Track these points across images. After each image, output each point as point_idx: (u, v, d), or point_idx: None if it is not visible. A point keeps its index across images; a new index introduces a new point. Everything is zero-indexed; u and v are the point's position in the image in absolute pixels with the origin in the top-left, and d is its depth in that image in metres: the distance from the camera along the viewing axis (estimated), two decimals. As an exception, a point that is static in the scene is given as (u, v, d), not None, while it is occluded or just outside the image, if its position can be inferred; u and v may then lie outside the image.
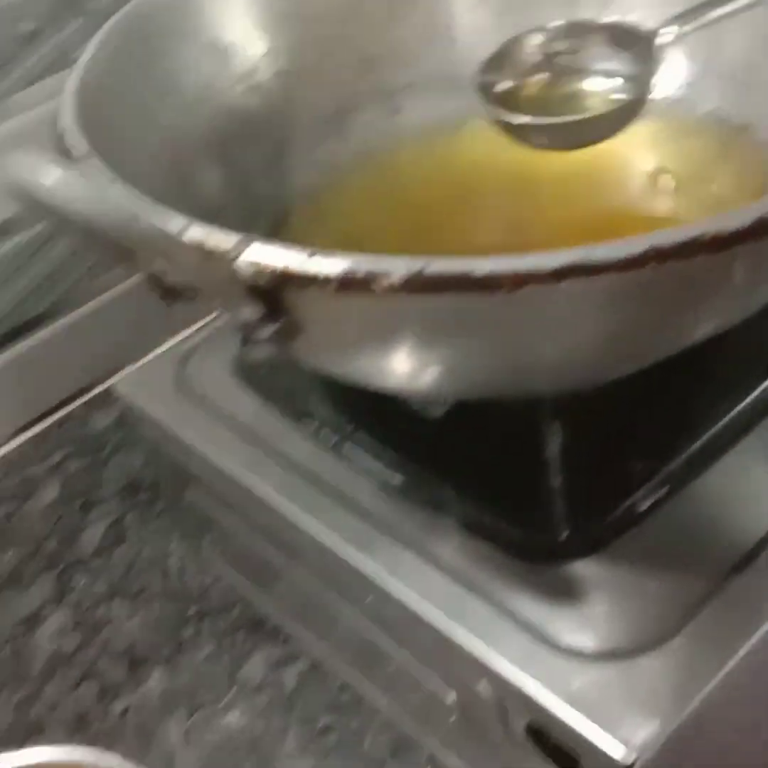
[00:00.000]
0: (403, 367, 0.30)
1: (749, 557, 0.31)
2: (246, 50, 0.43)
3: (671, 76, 0.42)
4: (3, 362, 0.62)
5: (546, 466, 0.33)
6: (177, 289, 0.28)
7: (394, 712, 0.40)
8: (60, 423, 0.64)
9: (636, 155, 0.43)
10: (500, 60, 0.37)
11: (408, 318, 0.27)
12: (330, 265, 0.25)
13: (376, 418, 0.38)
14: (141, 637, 0.51)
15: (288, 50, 0.44)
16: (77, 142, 0.32)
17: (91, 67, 0.36)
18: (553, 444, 0.34)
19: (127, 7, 0.40)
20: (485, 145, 0.45)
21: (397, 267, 0.25)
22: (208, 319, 0.46)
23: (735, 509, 0.33)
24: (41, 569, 0.56)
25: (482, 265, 0.24)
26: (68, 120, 0.33)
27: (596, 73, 0.36)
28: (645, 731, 0.27)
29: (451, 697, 0.34)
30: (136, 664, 0.50)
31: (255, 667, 0.49)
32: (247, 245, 0.26)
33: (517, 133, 0.36)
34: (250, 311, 0.27)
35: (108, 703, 0.49)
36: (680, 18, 0.36)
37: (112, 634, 0.52)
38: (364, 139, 0.45)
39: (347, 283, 0.25)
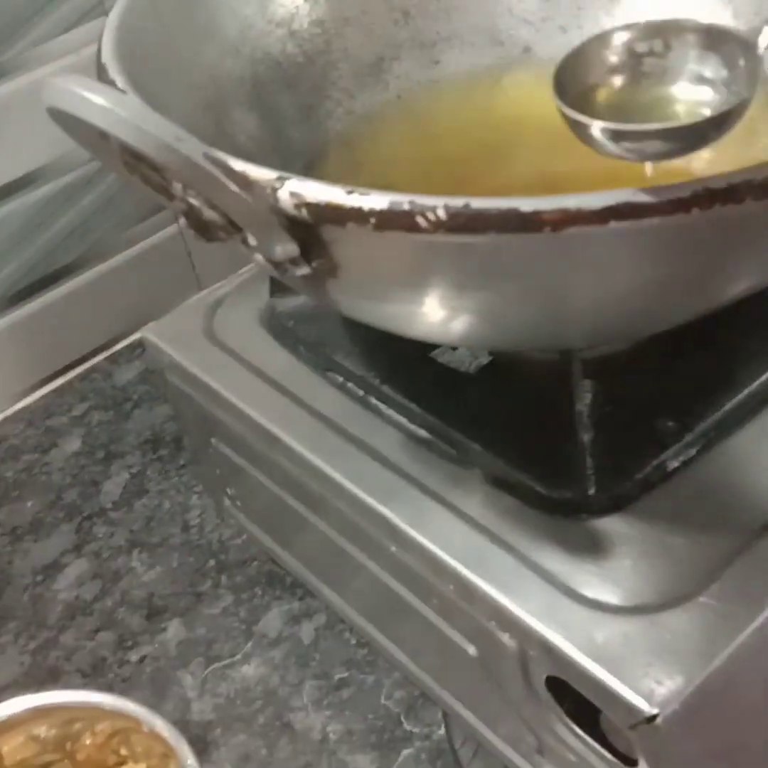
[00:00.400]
0: (438, 313, 0.29)
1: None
2: (284, -2, 0.42)
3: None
4: (30, 312, 0.62)
5: (575, 422, 0.33)
6: (214, 224, 0.27)
7: (411, 669, 0.40)
8: (84, 376, 0.64)
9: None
10: (581, 58, 0.33)
11: (447, 259, 0.27)
12: (371, 201, 0.25)
13: (403, 372, 0.38)
14: (159, 589, 0.52)
15: (327, -1, 0.44)
16: (116, 77, 0.31)
17: (132, 5, 0.35)
18: (583, 402, 0.33)
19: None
20: (523, 99, 0.45)
21: (438, 204, 0.24)
22: (232, 277, 0.46)
23: (764, 470, 0.33)
24: (61, 519, 0.56)
25: (527, 203, 0.24)
26: (108, 55, 0.32)
27: (687, 78, 0.33)
28: (668, 686, 0.27)
29: (472, 651, 0.34)
30: (154, 614, 0.51)
31: (272, 621, 0.49)
32: (289, 178, 0.26)
33: (588, 136, 0.31)
34: (287, 249, 0.27)
35: (125, 652, 0.49)
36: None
37: (130, 584, 0.52)
38: (401, 89, 0.45)
39: (387, 220, 0.25)
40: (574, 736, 0.31)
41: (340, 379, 0.39)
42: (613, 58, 0.34)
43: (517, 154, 0.42)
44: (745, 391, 0.34)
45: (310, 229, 0.26)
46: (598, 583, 0.30)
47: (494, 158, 0.42)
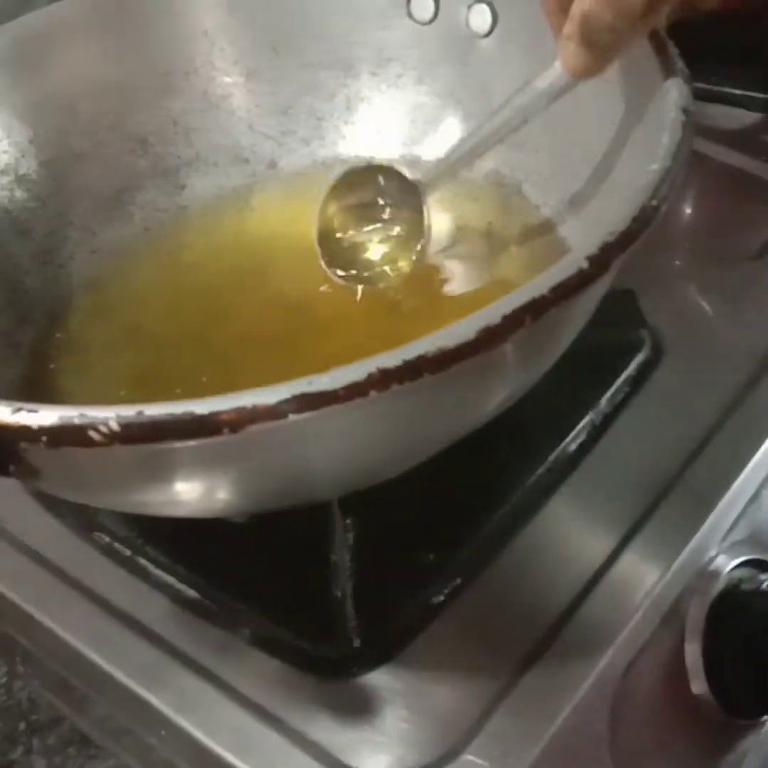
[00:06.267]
0: (162, 502, 0.28)
1: (540, 648, 0.30)
2: (5, 143, 0.40)
3: (449, 138, 0.42)
4: None
5: (334, 572, 0.32)
6: None
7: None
8: None
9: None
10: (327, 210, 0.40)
11: (143, 462, 0.25)
12: (40, 418, 0.23)
13: (169, 529, 0.36)
14: (-33, 764, 0.48)
15: (55, 137, 0.42)
16: None
17: None
18: (342, 547, 0.32)
19: None
20: (272, 217, 0.44)
21: (110, 415, 0.23)
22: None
23: (531, 591, 0.32)
24: None
25: (202, 405, 0.23)
26: None
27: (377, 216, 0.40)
28: None
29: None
30: (-38, 795, 0.47)
31: (88, 784, 0.46)
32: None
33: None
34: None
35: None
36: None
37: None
38: (148, 220, 0.43)
39: (59, 437, 0.23)
40: None
41: (106, 539, 0.37)
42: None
43: (269, 277, 0.41)
44: (504, 509, 0.34)
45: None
46: (366, 753, 0.29)
47: (246, 285, 0.41)
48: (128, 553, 0.36)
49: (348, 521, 0.33)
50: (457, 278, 0.39)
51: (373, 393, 0.23)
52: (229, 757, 0.29)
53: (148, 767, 0.39)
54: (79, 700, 0.41)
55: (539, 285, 0.24)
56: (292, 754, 0.29)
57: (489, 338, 0.23)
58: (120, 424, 0.23)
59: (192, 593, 0.34)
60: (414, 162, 0.43)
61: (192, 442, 0.23)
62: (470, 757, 0.28)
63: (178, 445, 0.23)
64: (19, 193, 0.41)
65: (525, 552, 0.34)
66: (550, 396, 0.34)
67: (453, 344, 0.23)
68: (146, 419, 0.23)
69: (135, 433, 0.23)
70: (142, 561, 0.36)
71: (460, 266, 0.40)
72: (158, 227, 0.43)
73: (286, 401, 0.23)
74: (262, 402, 0.23)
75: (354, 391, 0.23)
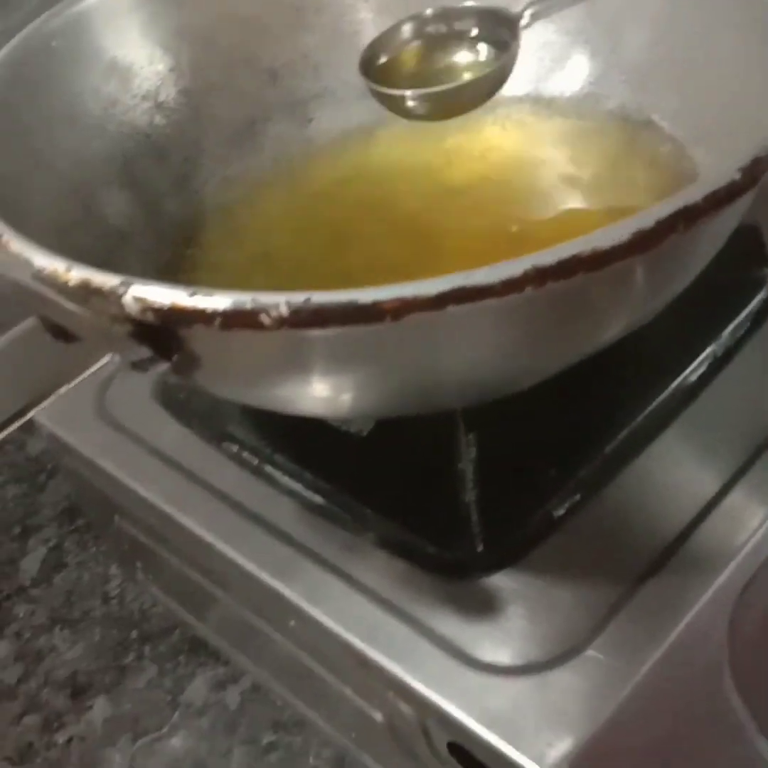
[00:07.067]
0: (303, 395, 0.30)
1: (661, 560, 0.31)
2: (148, 70, 0.42)
3: (576, 75, 0.43)
4: (-68, 391, 0.61)
5: (460, 480, 0.33)
6: (66, 330, 0.27)
7: (330, 732, 0.40)
8: (-4, 448, 0.63)
9: (546, 157, 0.43)
10: (380, 43, 0.40)
11: (300, 350, 0.27)
12: (214, 302, 0.25)
13: (295, 439, 0.38)
14: (83, 665, 0.51)
15: (191, 67, 0.43)
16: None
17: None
18: (467, 458, 0.34)
19: (23, 33, 0.39)
20: (396, 152, 0.45)
21: (280, 301, 0.24)
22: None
23: (648, 510, 0.33)
24: (-20, 602, 0.55)
25: (365, 295, 0.24)
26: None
27: (466, 48, 0.40)
28: (558, 747, 0.27)
29: (378, 717, 0.34)
30: (79, 692, 0.50)
31: (197, 689, 0.48)
32: (133, 283, 0.26)
33: (397, 105, 0.39)
34: (137, 352, 0.27)
35: (52, 735, 0.49)
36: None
37: (53, 663, 0.51)
38: (277, 152, 0.45)
39: (232, 319, 0.25)
40: (480, 798, 0.31)
41: (235, 449, 0.39)
42: (408, 39, 0.41)
43: (394, 208, 0.43)
44: (625, 432, 0.35)
45: (160, 332, 0.26)
46: (489, 645, 0.30)
47: (371, 215, 0.43)
48: (256, 461, 0.38)
49: (470, 436, 0.35)
50: (584, 215, 0.40)
51: (528, 289, 0.24)
52: (359, 643, 0.31)
53: (266, 666, 0.41)
54: (199, 604, 0.44)
55: (692, 194, 0.25)
56: (418, 643, 0.31)
57: (642, 241, 0.24)
58: (289, 309, 0.24)
59: (318, 499, 0.36)
60: (539, 100, 0.44)
61: (353, 328, 0.25)
62: (592, 653, 0.29)
63: (340, 331, 0.25)
64: (158, 119, 0.43)
65: (642, 475, 0.34)
66: (675, 326, 0.35)
67: (607, 245, 0.24)
68: (314, 305, 0.24)
69: (302, 318, 0.24)
70: (269, 468, 0.38)
71: (587, 200, 0.41)
72: (286, 158, 0.45)
73: (445, 294, 0.24)
74: (423, 293, 0.24)
75: (511, 287, 0.24)
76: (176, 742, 0.47)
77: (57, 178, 0.37)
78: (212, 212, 0.43)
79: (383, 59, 0.40)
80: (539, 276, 0.24)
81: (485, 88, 0.39)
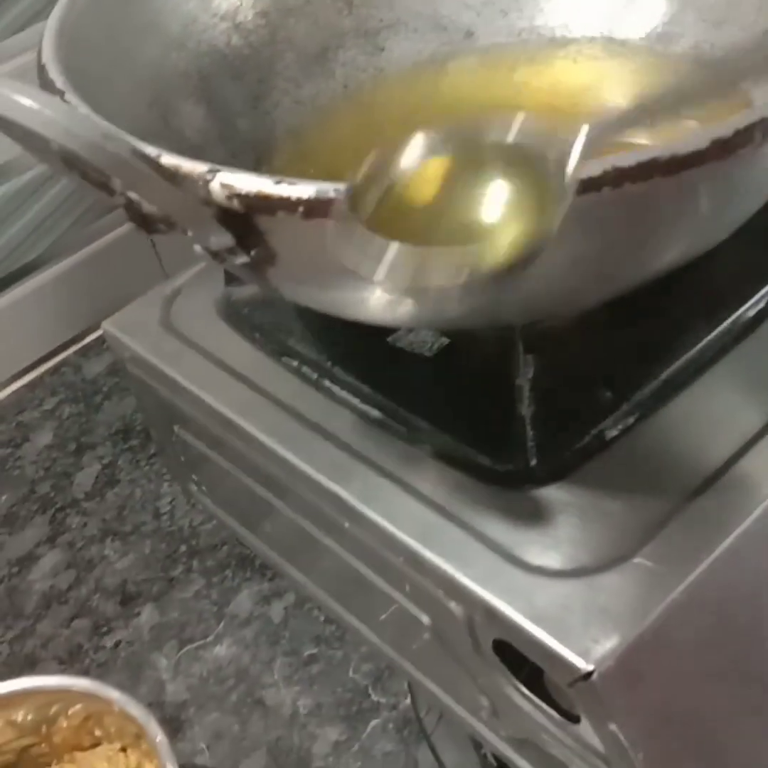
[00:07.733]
0: (376, 297, 0.30)
1: (710, 480, 0.32)
2: (228, -10, 0.43)
3: (649, 15, 0.43)
4: (-3, 309, 0.62)
5: (516, 397, 0.34)
6: (153, 217, 0.28)
7: (375, 642, 0.42)
8: (54, 370, 0.65)
9: (616, 93, 0.43)
10: None
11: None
12: (299, 190, 0.26)
13: (355, 354, 0.39)
14: (132, 575, 0.53)
15: (270, -10, 0.44)
16: (56, 77, 0.32)
17: (72, 4, 0.36)
18: (524, 376, 0.35)
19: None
20: (466, 84, 0.46)
21: (363, 192, 0.25)
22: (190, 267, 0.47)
23: (699, 436, 0.34)
24: (35, 512, 0.57)
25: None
26: (48, 56, 0.33)
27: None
28: (604, 644, 0.28)
29: (425, 620, 0.35)
30: (128, 600, 0.52)
31: (242, 602, 0.50)
32: (220, 170, 0.27)
33: None
34: (222, 239, 0.28)
35: (100, 638, 0.51)
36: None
37: (104, 572, 0.53)
38: (347, 78, 0.46)
39: (315, 208, 0.26)
40: (522, 697, 0.32)
41: (295, 363, 0.40)
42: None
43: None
44: (681, 361, 0.36)
45: (245, 219, 0.27)
46: (539, 550, 0.31)
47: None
48: (315, 376, 0.39)
49: (528, 357, 0.35)
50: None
51: (606, 189, 0.25)
52: (412, 542, 0.32)
53: (315, 577, 0.43)
54: (253, 515, 0.45)
55: (770, 107, 0.25)
56: (470, 545, 0.32)
57: (720, 149, 0.25)
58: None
59: (376, 412, 0.37)
60: (612, 40, 0.44)
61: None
62: (640, 560, 0.30)
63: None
64: (235, 39, 0.44)
65: (695, 403, 0.35)
66: (736, 261, 0.35)
67: (685, 151, 0.25)
68: (395, 197, 0.25)
69: (384, 210, 0.25)
70: (328, 383, 0.39)
71: (653, 138, 0.41)
72: (357, 85, 0.46)
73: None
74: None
75: (589, 185, 0.25)
76: (220, 650, 0.48)
77: (139, 87, 0.38)
78: (283, 135, 0.44)
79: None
80: (618, 176, 0.24)
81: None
